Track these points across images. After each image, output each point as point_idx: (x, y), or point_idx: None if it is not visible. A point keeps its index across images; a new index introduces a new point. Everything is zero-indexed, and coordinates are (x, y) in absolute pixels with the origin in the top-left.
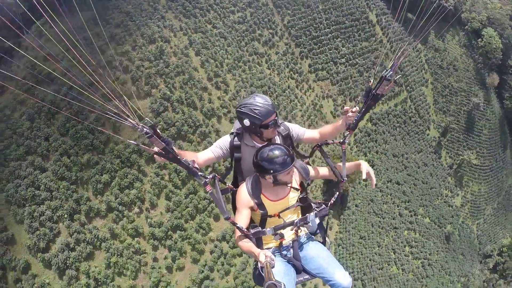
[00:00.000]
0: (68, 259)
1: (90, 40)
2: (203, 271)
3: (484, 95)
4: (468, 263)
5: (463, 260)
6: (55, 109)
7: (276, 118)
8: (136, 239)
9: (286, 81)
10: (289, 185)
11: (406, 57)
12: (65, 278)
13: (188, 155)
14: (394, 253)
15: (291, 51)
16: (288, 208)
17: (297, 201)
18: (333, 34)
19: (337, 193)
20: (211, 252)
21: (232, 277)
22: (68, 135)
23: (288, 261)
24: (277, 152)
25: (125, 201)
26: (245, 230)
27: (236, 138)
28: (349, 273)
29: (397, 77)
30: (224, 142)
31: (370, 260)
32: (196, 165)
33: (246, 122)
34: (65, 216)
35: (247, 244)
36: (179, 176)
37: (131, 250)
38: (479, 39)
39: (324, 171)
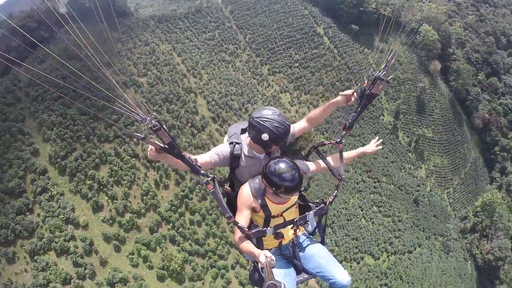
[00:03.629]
0: (80, 165)
1: (105, 39)
2: (184, 190)
3: (430, 81)
4: (442, 224)
5: (436, 221)
6: (71, 101)
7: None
8: (133, 159)
9: (249, 80)
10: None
11: (397, 59)
12: (75, 180)
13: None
14: (362, 210)
15: (252, 59)
16: (290, 207)
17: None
18: (286, 45)
19: (335, 191)
20: (190, 179)
21: (208, 202)
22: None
23: (288, 261)
24: (288, 170)
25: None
26: (246, 229)
27: (235, 147)
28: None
29: (390, 77)
30: (223, 150)
31: (337, 212)
32: (198, 163)
33: (265, 136)
34: (82, 137)
35: (247, 245)
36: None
37: (128, 165)
38: (418, 35)
39: (324, 163)
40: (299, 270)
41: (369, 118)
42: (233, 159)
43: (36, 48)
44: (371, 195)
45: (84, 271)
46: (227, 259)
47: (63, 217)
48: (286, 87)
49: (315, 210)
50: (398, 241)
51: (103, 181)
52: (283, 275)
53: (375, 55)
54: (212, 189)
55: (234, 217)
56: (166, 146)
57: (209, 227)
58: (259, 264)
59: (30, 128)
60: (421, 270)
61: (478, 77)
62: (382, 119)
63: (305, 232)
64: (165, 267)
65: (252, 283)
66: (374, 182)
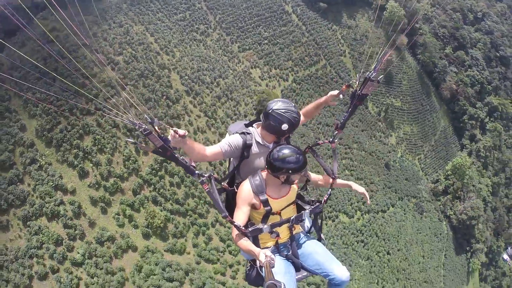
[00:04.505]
0: (65, 137)
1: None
2: None
3: (397, 54)
4: (414, 186)
5: (408, 184)
6: (55, 108)
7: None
8: (114, 128)
9: (220, 57)
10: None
11: (387, 61)
12: (61, 150)
13: (196, 147)
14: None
15: (223, 38)
16: (289, 205)
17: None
18: (255, 23)
19: (330, 190)
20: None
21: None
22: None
23: (287, 259)
24: (293, 154)
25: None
26: (243, 228)
27: (247, 137)
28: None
29: (380, 77)
30: (235, 140)
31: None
32: (193, 164)
33: (285, 126)
34: (66, 111)
35: (245, 243)
36: None
37: (110, 134)
38: (384, 11)
39: (314, 177)
40: (298, 267)
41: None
42: (245, 149)
43: (16, 33)
44: (343, 161)
45: (74, 232)
46: (207, 218)
47: (52, 184)
48: (256, 62)
49: (310, 208)
50: (371, 201)
51: (87, 149)
52: (283, 273)
53: (343, 32)
54: (207, 188)
55: (232, 214)
56: (158, 149)
57: (188, 188)
58: (258, 263)
59: (16, 106)
60: (396, 228)
61: (445, 50)
62: (351, 91)
63: (302, 230)
64: (149, 225)
65: (249, 282)
66: (345, 149)
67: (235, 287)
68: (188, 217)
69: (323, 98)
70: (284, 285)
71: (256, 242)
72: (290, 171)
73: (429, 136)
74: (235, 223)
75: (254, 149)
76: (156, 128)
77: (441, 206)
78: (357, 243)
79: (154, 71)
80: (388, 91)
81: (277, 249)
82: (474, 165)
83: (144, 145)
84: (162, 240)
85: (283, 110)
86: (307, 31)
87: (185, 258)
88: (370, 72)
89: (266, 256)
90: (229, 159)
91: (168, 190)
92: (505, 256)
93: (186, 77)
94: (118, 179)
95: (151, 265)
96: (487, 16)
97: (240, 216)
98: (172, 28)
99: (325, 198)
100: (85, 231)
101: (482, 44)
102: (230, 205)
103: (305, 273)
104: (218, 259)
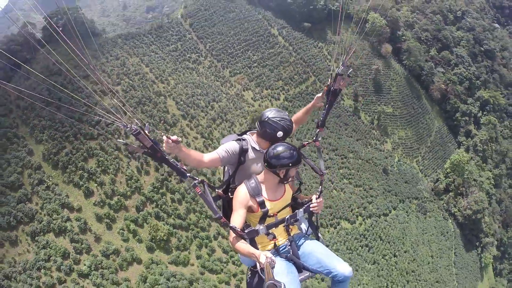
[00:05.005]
0: (70, 159)
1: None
2: (163, 174)
3: (383, 63)
4: (415, 188)
5: (408, 186)
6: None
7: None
8: (116, 151)
9: (213, 82)
10: (290, 181)
11: (353, 55)
12: (67, 171)
13: (193, 153)
14: (332, 183)
15: (214, 65)
16: (285, 207)
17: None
18: (244, 48)
19: (320, 187)
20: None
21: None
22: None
23: (288, 260)
24: (287, 150)
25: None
26: (239, 230)
27: (243, 143)
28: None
29: (349, 71)
30: (232, 146)
31: (308, 186)
32: (184, 167)
33: (280, 133)
34: (71, 136)
35: (244, 246)
36: None
37: (113, 156)
38: (366, 24)
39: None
40: (300, 268)
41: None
42: (242, 154)
43: (21, 68)
44: (340, 170)
45: (81, 246)
46: (209, 231)
47: (59, 203)
48: (248, 85)
49: (304, 207)
50: (372, 206)
51: (92, 171)
52: (286, 274)
53: (329, 48)
54: (200, 191)
55: (229, 220)
56: (148, 150)
57: (189, 204)
58: (258, 264)
59: (24, 133)
60: (400, 230)
61: (430, 53)
62: (343, 103)
63: (300, 232)
64: (153, 238)
65: None
66: (342, 159)
67: None
68: (190, 230)
69: (311, 103)
70: (284, 285)
71: (254, 246)
72: (290, 164)
73: (424, 138)
74: (230, 224)
75: (251, 154)
76: (146, 131)
77: (445, 204)
78: (361, 248)
79: (151, 98)
80: (379, 99)
81: (277, 251)
82: (473, 160)
83: (134, 145)
84: (166, 253)
85: (278, 118)
86: (294, 51)
87: (189, 269)
88: (338, 68)
89: (266, 257)
90: (224, 169)
91: (170, 206)
92: None
93: (182, 102)
94: (121, 197)
95: (155, 275)
96: (466, 13)
97: (237, 219)
98: (166, 58)
99: (317, 196)
100: (91, 245)
101: (466, 41)
102: (226, 212)
103: (307, 273)
104: (222, 269)
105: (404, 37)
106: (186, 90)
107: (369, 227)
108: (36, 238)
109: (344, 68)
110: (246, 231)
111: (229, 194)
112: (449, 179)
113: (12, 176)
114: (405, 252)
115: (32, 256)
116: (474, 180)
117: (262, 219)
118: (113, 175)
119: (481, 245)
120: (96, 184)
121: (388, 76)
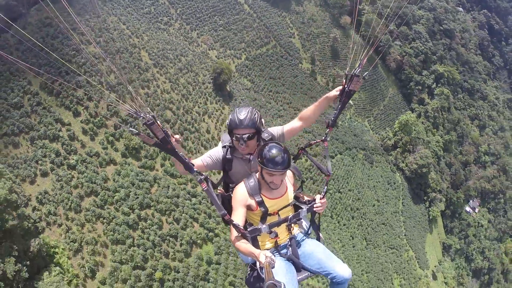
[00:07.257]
0: (62, 88)
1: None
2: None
3: (342, 33)
4: (363, 141)
5: (356, 139)
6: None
7: (247, 135)
8: (99, 85)
9: (182, 41)
10: (281, 185)
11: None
12: (60, 97)
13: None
14: None
15: (183, 27)
16: (286, 206)
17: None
18: (211, 13)
19: (325, 187)
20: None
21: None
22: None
23: (288, 260)
24: (274, 152)
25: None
26: (241, 228)
27: (228, 151)
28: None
29: (365, 73)
30: (216, 153)
31: None
32: (192, 161)
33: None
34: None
35: (245, 245)
36: None
37: (96, 88)
38: None
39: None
40: (299, 268)
41: (288, 66)
42: (226, 162)
43: (16, 21)
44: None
45: (70, 148)
46: None
47: (53, 118)
48: (213, 45)
49: (307, 207)
50: (318, 147)
51: (80, 98)
52: (285, 273)
53: (292, 17)
54: (205, 187)
55: (230, 217)
56: (159, 141)
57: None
58: (258, 264)
59: (22, 71)
60: (344, 171)
61: (389, 27)
62: (301, 66)
63: (301, 231)
64: (126, 147)
65: (249, 286)
66: (295, 111)
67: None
68: None
69: (326, 95)
70: (284, 285)
71: (255, 244)
72: (270, 165)
73: (378, 101)
74: (233, 222)
75: (234, 162)
76: (158, 122)
77: (393, 159)
78: (306, 180)
79: (128, 49)
80: (335, 64)
81: (277, 250)
82: (423, 124)
83: (146, 136)
84: (136, 160)
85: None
86: (258, 18)
87: (154, 172)
88: (355, 69)
89: (266, 256)
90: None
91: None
92: (468, 208)
93: (154, 54)
94: (103, 118)
95: (127, 170)
96: None
97: (237, 217)
98: (140, 19)
99: (321, 195)
100: (78, 149)
101: (425, 20)
102: (226, 210)
103: (306, 274)
104: (181, 176)
105: (364, 11)
106: (157, 45)
107: (310, 166)
108: (35, 142)
109: (360, 69)
110: (248, 229)
111: (230, 192)
112: (398, 137)
113: (15, 99)
114: (349, 190)
115: (30, 154)
116: (422, 139)
117: (263, 218)
118: (96, 102)
119: (429, 199)
120: (82, 108)
121: (345, 45)
